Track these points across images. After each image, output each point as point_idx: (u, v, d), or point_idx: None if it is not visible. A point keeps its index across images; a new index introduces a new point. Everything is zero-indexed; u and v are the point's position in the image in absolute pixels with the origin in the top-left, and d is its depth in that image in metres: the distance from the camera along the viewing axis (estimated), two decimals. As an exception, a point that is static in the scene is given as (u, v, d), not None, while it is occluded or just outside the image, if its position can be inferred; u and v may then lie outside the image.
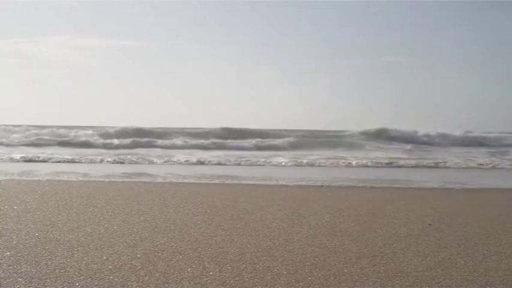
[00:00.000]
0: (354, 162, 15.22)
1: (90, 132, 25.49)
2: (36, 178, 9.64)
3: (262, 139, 24.16)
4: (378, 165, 14.89)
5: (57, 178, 9.79)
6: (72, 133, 25.06)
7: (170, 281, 3.25)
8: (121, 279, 3.24)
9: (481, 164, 15.38)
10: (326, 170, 13.60)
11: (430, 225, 5.31)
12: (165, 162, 14.79)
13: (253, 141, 23.34)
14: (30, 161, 14.61)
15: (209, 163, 14.71)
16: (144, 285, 3.15)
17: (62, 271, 3.39)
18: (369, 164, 15.10)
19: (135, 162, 14.59)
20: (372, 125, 27.54)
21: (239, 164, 14.61)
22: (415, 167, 14.85)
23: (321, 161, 15.51)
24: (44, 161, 14.61)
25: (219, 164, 14.60)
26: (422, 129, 27.14)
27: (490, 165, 15.08)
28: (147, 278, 3.30)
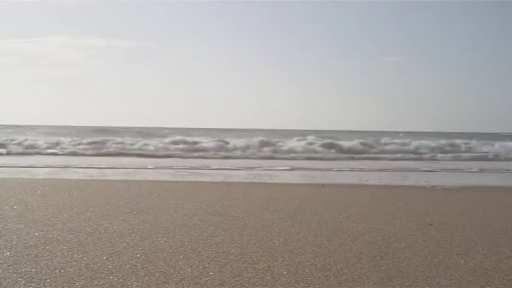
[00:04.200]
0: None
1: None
2: (36, 178, 9.64)
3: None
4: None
5: (57, 178, 9.79)
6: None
7: (170, 281, 3.25)
8: (121, 279, 3.24)
9: None
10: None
11: (430, 225, 5.30)
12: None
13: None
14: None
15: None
16: (144, 285, 3.15)
17: (62, 271, 3.38)
18: None
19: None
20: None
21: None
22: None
23: None
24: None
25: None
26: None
27: None
28: (147, 278, 3.29)
